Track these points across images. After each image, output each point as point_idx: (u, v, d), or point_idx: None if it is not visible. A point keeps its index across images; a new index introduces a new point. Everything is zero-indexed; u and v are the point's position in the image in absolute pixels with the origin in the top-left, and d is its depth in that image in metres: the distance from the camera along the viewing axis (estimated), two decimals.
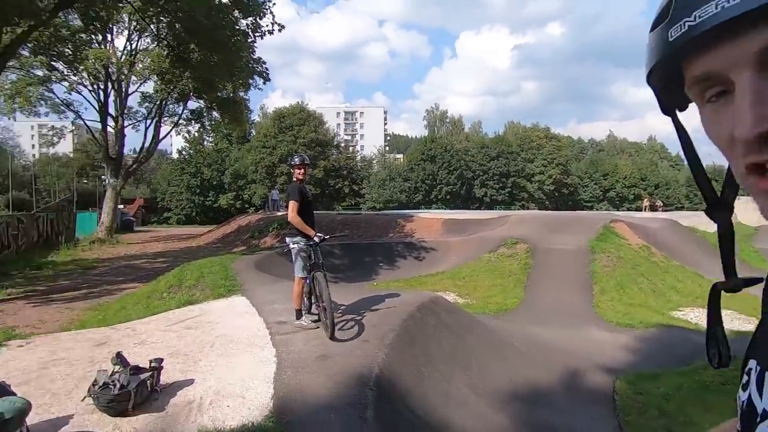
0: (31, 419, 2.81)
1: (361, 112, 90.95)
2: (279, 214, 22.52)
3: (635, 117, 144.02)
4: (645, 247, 12.29)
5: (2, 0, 9.10)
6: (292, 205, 4.74)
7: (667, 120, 0.56)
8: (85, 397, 3.21)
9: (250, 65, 17.93)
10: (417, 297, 5.93)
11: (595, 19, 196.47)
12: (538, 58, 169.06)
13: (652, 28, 0.45)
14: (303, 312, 4.90)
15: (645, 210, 32.95)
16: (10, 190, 22.49)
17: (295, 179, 4.98)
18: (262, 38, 16.04)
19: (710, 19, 0.37)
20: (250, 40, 16.08)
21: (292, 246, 4.74)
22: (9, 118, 23.08)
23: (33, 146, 68.18)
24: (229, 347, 4.33)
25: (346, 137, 77.35)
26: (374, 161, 55.80)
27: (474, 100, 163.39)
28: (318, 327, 4.71)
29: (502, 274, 11.44)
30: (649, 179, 52.17)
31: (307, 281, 4.81)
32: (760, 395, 0.50)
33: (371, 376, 3.47)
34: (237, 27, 14.94)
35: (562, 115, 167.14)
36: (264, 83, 20.51)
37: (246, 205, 44.60)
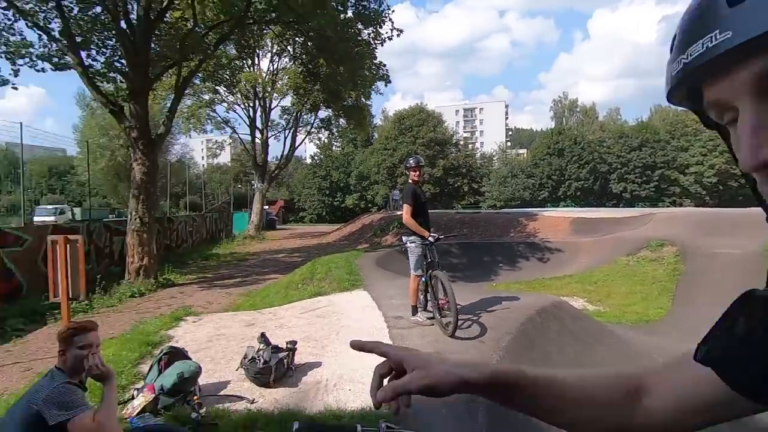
0: (201, 380, 3.49)
1: (481, 108, 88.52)
2: (398, 213, 23.36)
3: None
4: None
5: (182, 42, 11.29)
6: (406, 208, 4.95)
7: None
8: (238, 368, 3.85)
9: (372, 71, 18.97)
10: (538, 300, 5.62)
11: None
12: None
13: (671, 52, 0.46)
14: (418, 309, 5.06)
15: None
16: (187, 195, 27.69)
17: (410, 181, 5.15)
18: (382, 45, 16.83)
19: (698, 58, 0.39)
20: (371, 47, 17.02)
21: (408, 245, 4.93)
22: (186, 136, 28.43)
23: (202, 158, 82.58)
24: (352, 336, 4.70)
25: (465, 134, 76.23)
26: (494, 158, 53.86)
27: (609, 85, 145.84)
28: (432, 324, 4.82)
29: (643, 280, 10.08)
30: None
31: (423, 279, 4.95)
32: None
33: None
34: (359, 38, 15.94)
35: None
36: (386, 85, 21.50)
37: (369, 205, 47.23)
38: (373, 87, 22.44)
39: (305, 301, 6.80)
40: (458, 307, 4.40)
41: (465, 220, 17.96)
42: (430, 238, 4.79)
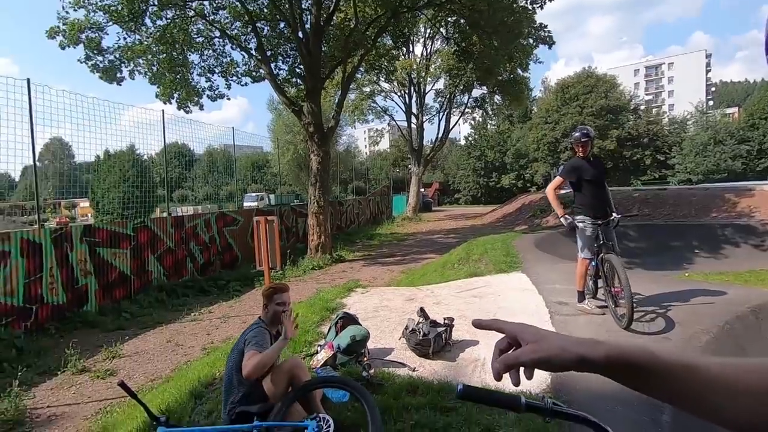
0: (369, 344, 3.91)
1: (670, 63, 73.16)
2: (564, 191, 21.34)
3: None
4: None
5: (346, 41, 12.43)
6: (556, 180, 4.65)
7: None
8: (400, 338, 4.17)
9: (531, 36, 17.59)
10: (753, 295, 4.51)
11: None
12: None
13: None
14: (586, 295, 4.62)
15: None
16: (353, 180, 30.76)
17: (580, 154, 4.66)
18: (541, 8, 15.35)
19: None
20: (529, 12, 15.69)
21: (577, 224, 4.51)
22: (351, 127, 31.36)
23: (365, 146, 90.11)
24: (510, 319, 4.57)
25: (647, 97, 64.60)
26: (689, 122, 44.09)
27: None
28: (604, 314, 4.34)
29: None
30: None
31: (592, 263, 4.49)
32: None
33: None
34: (515, 4, 14.86)
35: None
36: (549, 48, 19.72)
37: (528, 184, 44.45)
38: (532, 56, 20.80)
39: (461, 280, 6.89)
40: (635, 296, 3.87)
41: (646, 199, 15.33)
42: (567, 218, 4.35)
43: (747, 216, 12.40)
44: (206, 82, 13.42)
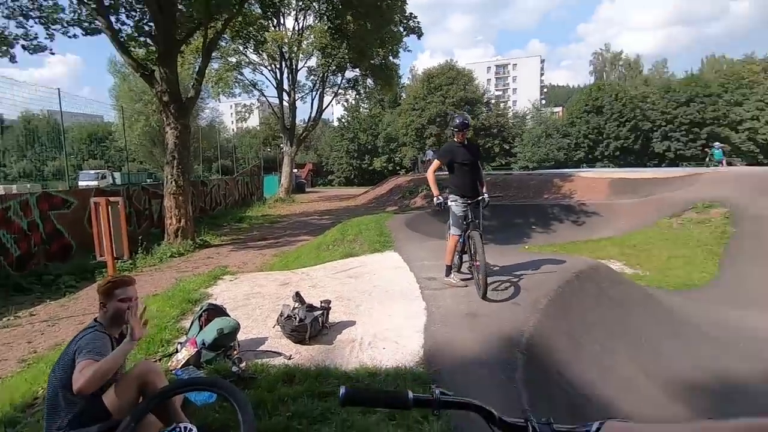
0: (239, 336, 3.60)
1: (514, 64, 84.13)
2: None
3: None
4: None
5: (207, 1, 11.06)
6: (434, 163, 4.93)
7: None
8: (274, 325, 3.94)
9: (402, 24, 18.19)
10: (575, 263, 5.44)
11: None
12: None
13: None
14: (453, 270, 5.00)
15: None
16: (218, 159, 28.23)
17: (455, 140, 4.94)
18: None
19: None
20: (399, 1, 16.19)
21: (450, 203, 4.82)
22: (215, 100, 28.60)
23: (232, 122, 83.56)
24: (384, 297, 4.73)
25: (496, 93, 73.20)
26: (528, 117, 51.57)
27: (657, 34, 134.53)
28: (467, 286, 4.76)
29: (687, 243, 9.61)
30: None
31: (461, 239, 4.87)
32: None
33: (521, 340, 3.38)
34: None
35: None
36: (419, 38, 20.69)
37: (397, 167, 46.79)
38: (402, 44, 21.62)
39: (337, 261, 6.87)
40: (488, 268, 4.35)
41: (496, 183, 17.50)
42: (439, 199, 4.72)
43: (569, 197, 15.07)
44: (18, 27, 10.61)
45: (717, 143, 27.48)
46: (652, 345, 4.55)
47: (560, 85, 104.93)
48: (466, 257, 4.96)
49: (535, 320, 3.76)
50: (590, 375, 3.62)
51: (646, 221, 11.32)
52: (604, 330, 4.38)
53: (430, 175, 4.92)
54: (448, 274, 4.97)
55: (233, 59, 24.10)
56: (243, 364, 3.15)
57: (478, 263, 4.57)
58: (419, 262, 5.94)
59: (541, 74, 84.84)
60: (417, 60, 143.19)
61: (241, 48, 23.15)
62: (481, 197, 4.77)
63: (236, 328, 3.44)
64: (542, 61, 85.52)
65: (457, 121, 4.85)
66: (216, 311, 3.72)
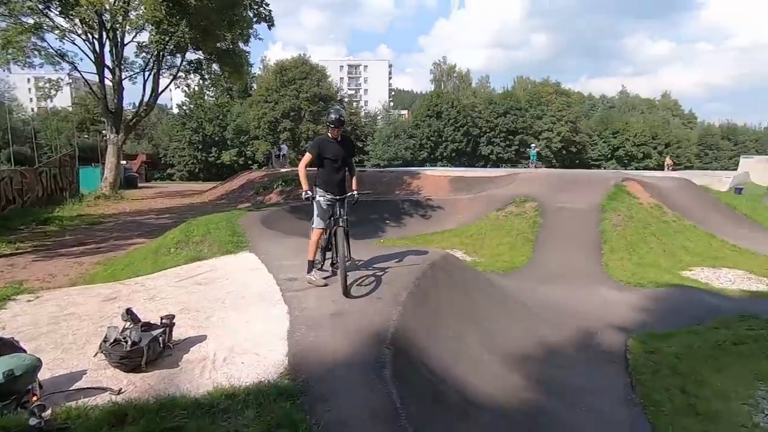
0: (43, 374, 2.76)
1: (365, 66, 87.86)
2: (284, 170, 22.24)
3: (649, 72, 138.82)
4: (657, 206, 12.07)
5: None
6: (305, 157, 4.66)
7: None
8: (96, 353, 3.16)
9: (253, 9, 17.00)
10: (429, 255, 5.82)
11: None
12: (550, 8, 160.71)
13: None
14: (314, 267, 4.82)
15: (668, 168, 32.17)
16: (10, 145, 22.17)
17: (330, 135, 4.71)
18: None
19: None
20: None
21: (317, 197, 4.59)
22: (3, 70, 22.32)
23: (31, 100, 66.91)
24: (241, 303, 4.27)
25: (349, 91, 75.26)
26: (379, 117, 54.47)
27: (482, 54, 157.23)
28: (327, 284, 4.63)
29: (510, 232, 11.34)
30: (660, 137, 50.92)
31: (325, 235, 4.71)
32: None
33: (387, 335, 3.40)
34: None
35: (572, 69, 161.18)
36: (269, 28, 19.62)
37: (249, 162, 44.16)
38: (252, 30, 20.32)
39: (181, 267, 6.00)
40: (352, 264, 4.33)
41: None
42: (309, 193, 4.49)
43: (417, 193, 16.33)
44: None
45: (533, 144, 33.39)
46: (492, 324, 5.16)
47: (406, 89, 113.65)
48: (330, 254, 4.83)
49: (398, 313, 3.85)
50: (446, 359, 3.88)
51: (479, 214, 12.98)
52: (455, 315, 4.77)
53: (301, 168, 4.63)
54: (309, 270, 4.77)
55: (30, 20, 19.14)
56: (47, 413, 2.40)
57: (337, 259, 4.50)
58: (279, 262, 5.59)
59: (390, 78, 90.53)
60: (269, 50, 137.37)
61: (40, 6, 18.51)
62: (349, 194, 4.69)
63: (34, 366, 2.62)
64: (390, 66, 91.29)
65: (333, 116, 4.66)
66: (1, 346, 2.78)
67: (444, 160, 48.08)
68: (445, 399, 3.12)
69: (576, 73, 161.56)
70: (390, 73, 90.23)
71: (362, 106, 64.19)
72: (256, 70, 49.38)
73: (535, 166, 27.70)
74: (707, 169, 41.41)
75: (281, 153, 28.64)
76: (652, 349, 5.12)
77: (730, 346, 5.25)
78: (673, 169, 32.34)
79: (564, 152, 49.80)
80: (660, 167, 39.59)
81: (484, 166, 45.97)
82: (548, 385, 4.20)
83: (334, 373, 2.86)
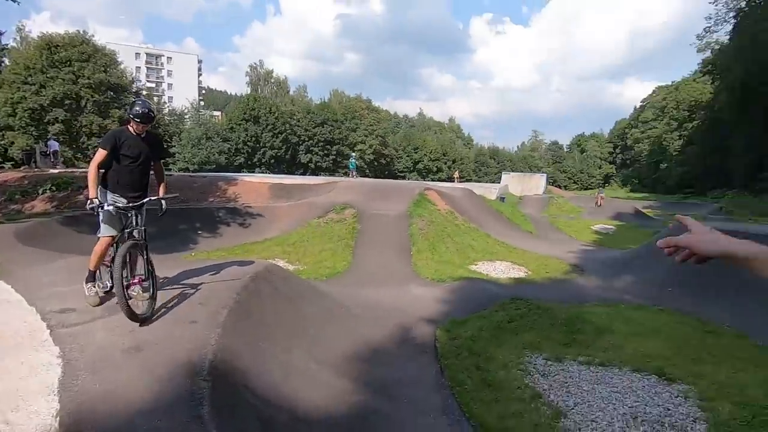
0: None
1: (169, 57, 78.12)
2: (55, 171, 17.67)
3: (439, 100, 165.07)
4: (450, 212, 14.26)
5: None
6: (97, 153, 3.76)
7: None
8: None
9: None
10: (250, 266, 5.39)
11: (411, 3, 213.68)
12: (361, 31, 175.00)
13: None
14: (96, 278, 3.91)
15: (457, 181, 39.08)
16: None
17: (132, 128, 3.81)
18: None
19: None
20: None
21: (107, 206, 3.63)
22: None
23: None
24: None
25: (149, 84, 65.67)
26: (187, 116, 49.02)
27: (298, 63, 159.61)
28: (101, 304, 3.81)
29: (331, 238, 11.61)
30: (449, 155, 60.98)
31: (115, 247, 3.84)
32: None
33: (204, 364, 2.93)
34: None
35: (381, 90, 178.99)
36: None
37: (1, 160, 33.63)
38: None
39: None
40: (155, 283, 3.69)
41: (151, 184, 15.51)
42: (93, 202, 3.57)
43: (234, 201, 15.22)
44: None
45: (353, 154, 35.30)
46: (319, 332, 5.10)
47: (219, 89, 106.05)
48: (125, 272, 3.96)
49: (217, 336, 3.38)
50: (275, 377, 3.61)
51: (300, 221, 12.92)
52: (281, 329, 4.52)
53: (92, 168, 3.65)
54: (89, 280, 3.86)
55: None
56: None
57: (137, 279, 3.74)
58: (47, 291, 4.29)
59: (200, 75, 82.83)
60: (31, 20, 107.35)
61: None
62: (147, 199, 3.93)
63: None
64: (200, 62, 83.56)
65: (139, 109, 3.79)
66: None
67: (263, 167, 46.57)
68: (274, 423, 2.87)
69: (384, 93, 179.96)
70: (200, 69, 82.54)
71: (166, 102, 56.73)
72: (9, 41, 38.13)
73: (354, 175, 29.49)
74: (482, 182, 51.48)
75: (50, 150, 22.75)
76: (454, 335, 5.91)
77: (506, 324, 6.48)
78: (460, 182, 39.30)
79: (376, 163, 54.58)
80: (450, 179, 47.43)
81: (304, 173, 46.46)
82: (374, 384, 4.36)
83: (134, 426, 2.28)
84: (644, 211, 27.36)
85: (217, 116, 59.23)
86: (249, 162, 46.66)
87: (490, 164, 67.62)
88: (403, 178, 55.35)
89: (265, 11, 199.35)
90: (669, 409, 4.09)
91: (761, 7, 28.29)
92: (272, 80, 67.05)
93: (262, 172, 41.97)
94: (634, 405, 4.16)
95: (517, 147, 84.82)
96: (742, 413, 3.96)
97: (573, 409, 4.13)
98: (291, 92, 68.58)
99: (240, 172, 38.53)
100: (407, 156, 59.07)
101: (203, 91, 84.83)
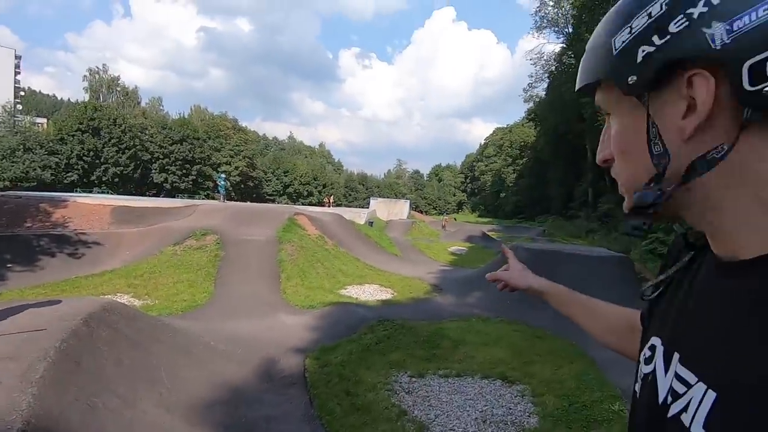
0: None
1: None
2: None
3: (310, 125, 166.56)
4: (320, 236, 14.29)
5: None
6: None
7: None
8: None
9: None
10: (83, 306, 4.54)
11: (280, 29, 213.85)
12: (228, 48, 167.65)
13: None
14: None
15: (329, 205, 39.09)
16: None
17: None
18: None
19: (581, 80, 0.57)
20: None
21: None
22: None
23: None
24: None
25: None
26: None
27: (154, 73, 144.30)
28: None
29: (189, 268, 10.55)
30: (320, 179, 61.50)
31: None
32: (665, 372, 0.54)
33: None
34: None
35: (249, 110, 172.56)
36: None
37: None
38: None
39: None
40: None
41: None
42: None
43: (62, 226, 12.74)
44: None
45: (223, 175, 32.74)
46: (172, 376, 4.52)
47: (45, 92, 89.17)
48: None
49: (32, 398, 2.74)
50: None
51: (151, 250, 11.44)
52: (124, 378, 3.88)
53: None
54: None
55: None
56: None
57: None
58: None
59: (17, 73, 68.41)
60: None
61: None
62: None
63: None
64: (18, 58, 69.18)
65: None
66: None
67: (103, 186, 40.18)
68: None
69: (252, 114, 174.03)
70: (18, 67, 68.13)
71: None
72: None
73: (222, 199, 27.63)
74: (351, 207, 53.00)
75: None
76: (324, 362, 5.85)
77: (374, 345, 6.69)
78: (332, 206, 39.79)
79: (242, 186, 51.87)
80: (321, 204, 47.72)
81: (157, 195, 41.48)
82: (238, 427, 4.03)
83: None
84: (489, 233, 31.49)
85: (41, 124, 49.40)
86: (85, 180, 39.71)
87: (359, 189, 70.23)
88: (273, 201, 53.71)
89: (111, 11, 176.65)
90: (510, 409, 4.69)
91: (566, 72, 35.95)
92: (118, 88, 59.05)
93: (103, 192, 36.14)
94: (483, 409, 4.66)
95: (384, 174, 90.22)
96: (563, 403, 4.77)
97: (434, 421, 4.43)
98: (143, 104, 61.31)
99: (72, 191, 32.51)
100: (277, 179, 57.64)
101: (22, 93, 70.10)
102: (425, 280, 12.49)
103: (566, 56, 36.31)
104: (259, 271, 10.74)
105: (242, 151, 51.20)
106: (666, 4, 0.47)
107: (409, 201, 40.76)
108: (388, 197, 52.88)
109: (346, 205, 59.06)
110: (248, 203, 29.82)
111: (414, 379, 5.43)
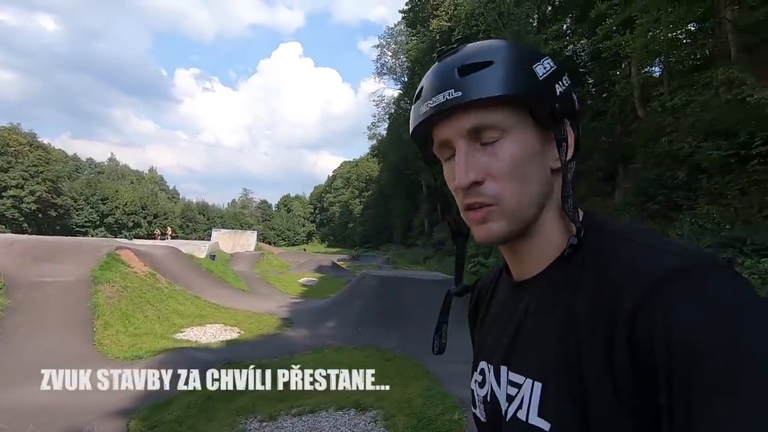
0: None
1: None
2: None
3: (137, 146, 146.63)
4: (151, 274, 12.40)
5: None
6: None
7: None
8: None
9: None
10: None
11: (98, 34, 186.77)
12: (23, 47, 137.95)
13: (414, 101, 0.60)
14: None
15: (169, 237, 34.03)
16: None
17: None
18: None
19: (430, 110, 0.56)
20: None
21: None
22: None
23: None
24: None
25: None
26: None
27: None
28: None
29: None
30: (150, 208, 54.03)
31: None
32: (499, 385, 0.60)
33: None
34: None
35: (53, 123, 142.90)
36: None
37: None
38: None
39: None
40: None
41: None
42: None
43: None
44: None
45: None
46: None
47: None
48: None
49: None
50: None
51: None
52: None
53: None
54: None
55: None
56: None
57: None
58: None
59: None
60: None
61: None
62: None
63: None
64: None
65: None
66: None
67: None
68: None
69: (57, 128, 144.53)
70: None
71: None
72: None
73: None
74: (189, 239, 47.80)
75: None
76: (154, 422, 4.98)
77: (217, 393, 6.00)
78: (170, 238, 35.06)
79: (41, 215, 41.97)
80: (151, 236, 41.71)
81: None
82: None
83: None
84: (339, 263, 32.13)
85: None
86: None
87: (198, 220, 64.02)
88: (84, 234, 44.74)
89: None
90: None
91: (403, 115, 40.20)
92: None
93: None
94: None
95: (228, 204, 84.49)
96: (412, 422, 5.02)
97: None
98: None
99: None
100: (92, 207, 48.39)
101: None
102: (275, 314, 11.92)
103: (403, 101, 40.75)
104: (63, 320, 8.67)
105: (42, 172, 41.58)
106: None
107: (256, 232, 38.84)
108: (233, 228, 49.45)
109: (183, 237, 52.97)
110: (48, 237, 24.07)
111: (265, 423, 5.04)
